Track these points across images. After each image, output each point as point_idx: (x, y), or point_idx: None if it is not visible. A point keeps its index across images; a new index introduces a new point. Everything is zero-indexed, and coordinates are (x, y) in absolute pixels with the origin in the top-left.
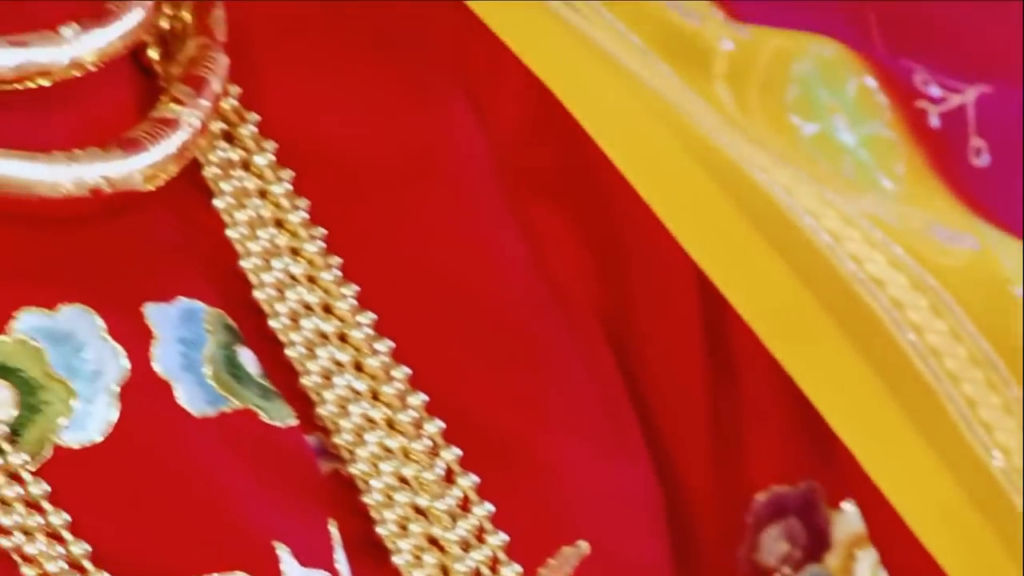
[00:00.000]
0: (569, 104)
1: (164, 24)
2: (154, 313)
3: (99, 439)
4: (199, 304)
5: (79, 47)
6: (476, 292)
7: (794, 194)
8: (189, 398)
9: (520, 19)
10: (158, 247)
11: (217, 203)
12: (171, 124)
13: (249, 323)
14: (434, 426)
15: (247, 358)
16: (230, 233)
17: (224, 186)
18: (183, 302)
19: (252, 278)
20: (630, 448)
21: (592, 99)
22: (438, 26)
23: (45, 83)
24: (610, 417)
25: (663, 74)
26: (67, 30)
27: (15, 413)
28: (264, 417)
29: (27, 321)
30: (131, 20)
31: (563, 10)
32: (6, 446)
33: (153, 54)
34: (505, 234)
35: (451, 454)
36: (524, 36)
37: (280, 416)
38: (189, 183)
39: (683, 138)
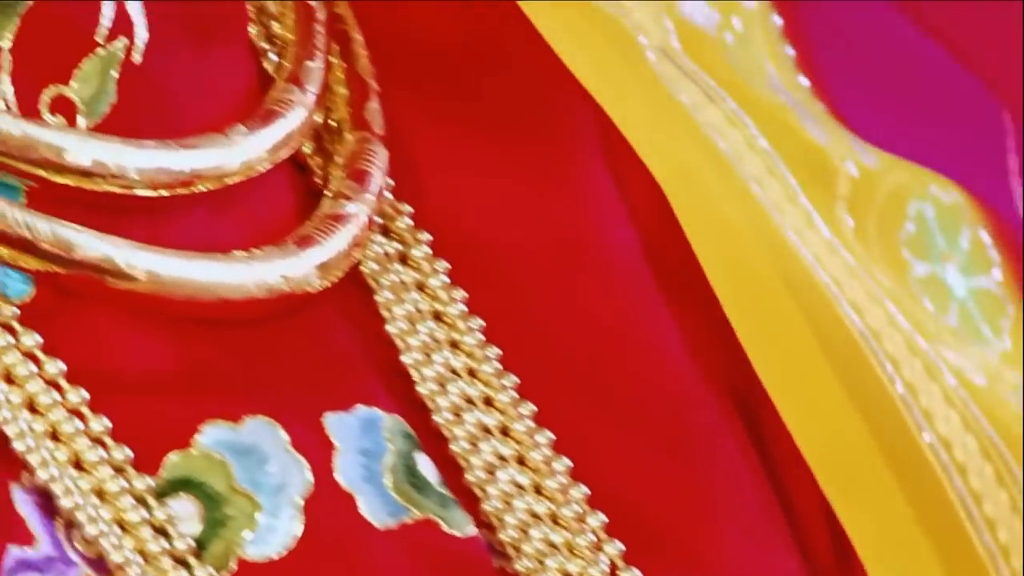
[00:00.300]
0: (675, 205)
1: (318, 118)
2: (334, 423)
3: (284, 553)
4: (377, 411)
5: (248, 149)
6: (635, 381)
7: (881, 338)
8: (371, 510)
9: (646, 116)
10: (330, 349)
11: (377, 298)
12: (341, 219)
13: (413, 418)
14: (597, 519)
15: (426, 466)
16: (389, 328)
17: (382, 280)
18: (361, 410)
19: (414, 373)
20: (787, 543)
21: (698, 207)
22: (583, 111)
23: (215, 186)
24: (767, 510)
25: (787, 184)
26: (235, 132)
27: (200, 527)
28: (444, 527)
29: (211, 435)
30: (295, 119)
31: (697, 100)
32: (192, 560)
33: (306, 149)
34: (660, 321)
35: (614, 548)
36: (648, 135)
37: (459, 525)
38: (347, 279)
39: (781, 263)
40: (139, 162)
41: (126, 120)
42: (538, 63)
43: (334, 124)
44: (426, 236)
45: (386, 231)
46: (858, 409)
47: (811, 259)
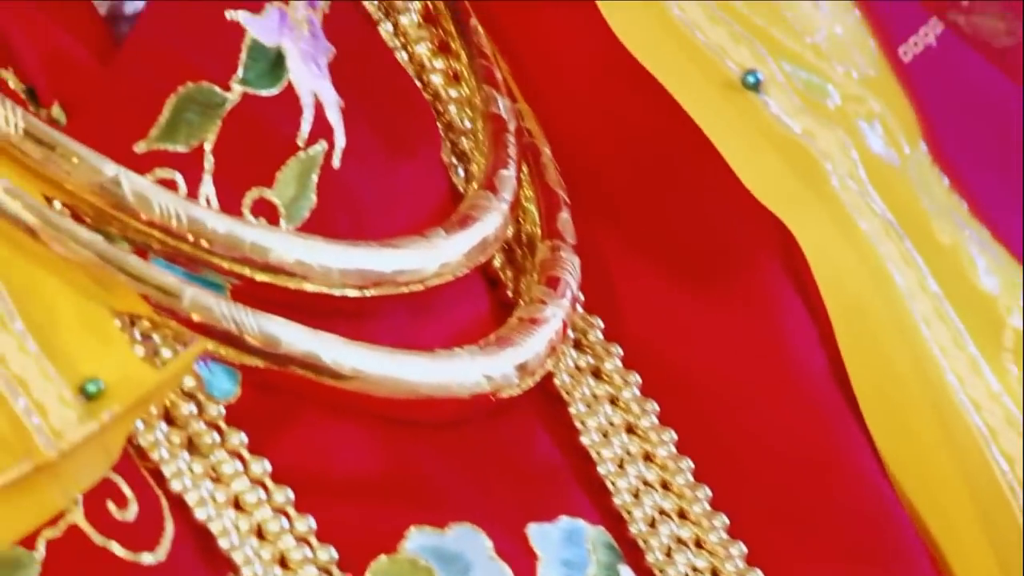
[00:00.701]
0: (840, 340)
1: (509, 231)
2: (537, 533)
3: None
4: (581, 523)
5: (446, 252)
6: (829, 498)
7: None
8: None
9: (828, 238)
10: (530, 458)
11: (571, 410)
12: (537, 322)
13: (612, 529)
14: None
15: None
16: (584, 440)
17: (575, 393)
18: (565, 521)
19: (609, 485)
20: None
21: (863, 343)
22: (767, 230)
23: (416, 288)
24: None
25: (955, 328)
26: (435, 235)
27: None
28: None
29: (417, 540)
30: (491, 224)
31: (877, 231)
32: None
33: (496, 262)
34: (851, 440)
35: None
36: (827, 260)
37: None
38: (540, 391)
39: (937, 407)
40: (342, 262)
41: (325, 223)
42: (721, 182)
43: (525, 237)
44: (617, 349)
45: (578, 344)
46: (997, 558)
47: (968, 405)
